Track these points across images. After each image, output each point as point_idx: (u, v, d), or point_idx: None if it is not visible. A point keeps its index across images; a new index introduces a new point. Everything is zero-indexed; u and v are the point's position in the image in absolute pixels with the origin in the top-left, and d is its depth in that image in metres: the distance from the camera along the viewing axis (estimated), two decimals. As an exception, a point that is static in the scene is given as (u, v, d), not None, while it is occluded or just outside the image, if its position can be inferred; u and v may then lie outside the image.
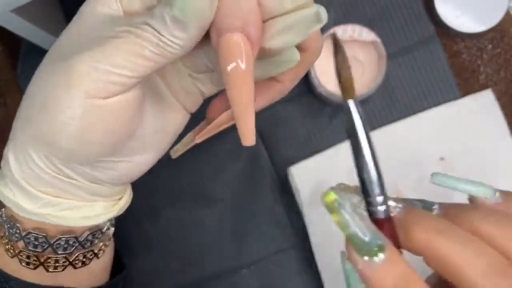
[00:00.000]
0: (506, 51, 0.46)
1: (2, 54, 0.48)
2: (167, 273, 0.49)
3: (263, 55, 0.20)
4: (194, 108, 0.26)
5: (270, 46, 0.20)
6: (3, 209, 0.25)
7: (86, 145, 0.20)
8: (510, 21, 0.46)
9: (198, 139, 0.27)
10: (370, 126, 0.46)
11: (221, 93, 0.26)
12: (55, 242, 0.25)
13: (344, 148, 0.46)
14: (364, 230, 0.18)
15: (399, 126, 0.46)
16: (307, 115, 0.47)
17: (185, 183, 0.48)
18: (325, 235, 0.46)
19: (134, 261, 0.49)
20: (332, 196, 0.18)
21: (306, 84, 0.47)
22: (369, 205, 0.20)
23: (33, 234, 0.24)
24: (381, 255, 0.18)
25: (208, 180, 0.48)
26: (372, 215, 0.20)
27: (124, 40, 0.18)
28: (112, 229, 0.29)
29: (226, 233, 0.48)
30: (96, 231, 0.27)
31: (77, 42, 0.20)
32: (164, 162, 0.49)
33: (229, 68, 0.18)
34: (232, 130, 0.47)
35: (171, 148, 0.28)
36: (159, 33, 0.18)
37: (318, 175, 0.46)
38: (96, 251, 0.27)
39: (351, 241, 0.18)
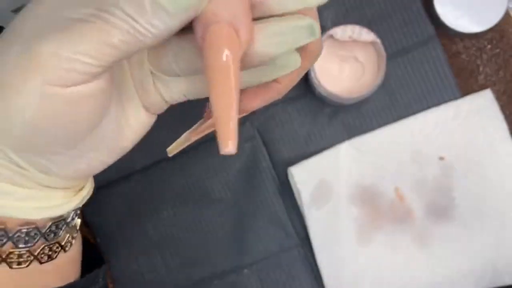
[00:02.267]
0: (505, 51, 0.46)
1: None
2: (168, 273, 0.49)
3: (254, 62, 0.19)
4: (154, 110, 0.23)
5: (258, 50, 0.19)
6: None
7: (41, 134, 0.19)
8: (509, 21, 0.46)
9: (194, 137, 0.27)
10: (370, 125, 0.47)
11: None
12: (14, 234, 0.23)
13: (344, 148, 0.46)
14: None
15: (399, 126, 0.46)
16: (307, 115, 0.47)
17: (186, 183, 0.48)
18: (326, 235, 0.46)
19: (136, 261, 0.49)
20: None
21: (306, 84, 0.47)
22: None
23: None
24: None
25: (208, 180, 0.48)
26: None
27: (91, 26, 0.17)
28: (79, 220, 0.27)
29: (227, 233, 0.48)
30: (59, 221, 0.25)
31: (38, 22, 0.18)
32: (163, 163, 0.49)
33: (212, 60, 0.17)
34: (232, 130, 0.48)
35: (162, 146, 0.28)
36: (133, 19, 0.16)
37: (318, 175, 0.46)
38: (62, 243, 0.25)
39: None
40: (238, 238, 0.48)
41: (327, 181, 0.46)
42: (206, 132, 0.27)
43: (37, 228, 0.24)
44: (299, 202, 0.47)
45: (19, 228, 0.23)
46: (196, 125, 0.28)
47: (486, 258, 0.44)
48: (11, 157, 0.20)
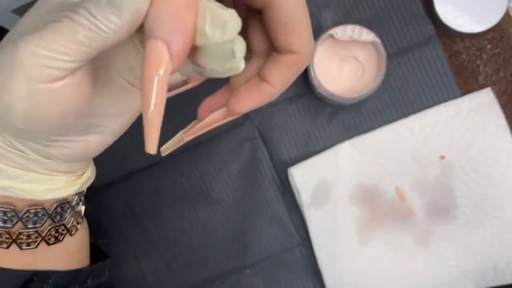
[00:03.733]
0: (505, 51, 0.46)
1: (2, 55, 0.48)
2: (169, 274, 0.49)
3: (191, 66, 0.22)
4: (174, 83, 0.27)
5: (197, 62, 0.21)
6: None
7: (34, 125, 0.20)
8: (509, 21, 0.46)
9: (187, 137, 0.27)
10: (370, 125, 0.47)
11: (212, 93, 0.27)
12: (24, 215, 0.25)
13: (344, 148, 0.46)
14: None
15: (399, 125, 0.46)
16: (307, 115, 0.47)
17: (187, 184, 0.48)
18: (326, 235, 0.46)
19: (137, 262, 0.49)
20: None
21: (306, 84, 0.47)
22: None
23: (1, 209, 0.24)
24: None
25: (209, 180, 0.48)
26: None
27: (61, 25, 0.18)
28: (83, 207, 0.29)
29: (228, 233, 0.48)
30: (64, 203, 0.27)
31: (23, 28, 0.20)
32: (163, 163, 0.49)
33: (143, 71, 0.19)
34: (233, 130, 0.48)
35: (162, 145, 0.28)
36: (94, 17, 0.18)
37: (318, 175, 0.46)
38: (68, 226, 0.27)
39: None
40: (239, 239, 0.48)
41: (327, 181, 0.46)
42: (201, 132, 0.27)
43: (44, 209, 0.26)
44: (299, 203, 0.46)
45: (27, 208, 0.25)
46: (190, 125, 0.28)
47: (487, 257, 0.44)
48: (13, 143, 0.22)
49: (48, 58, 0.18)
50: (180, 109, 0.42)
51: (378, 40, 0.43)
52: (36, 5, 0.21)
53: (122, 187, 0.49)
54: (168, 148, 0.29)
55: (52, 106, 0.20)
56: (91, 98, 0.22)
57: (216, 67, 0.21)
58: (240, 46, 0.20)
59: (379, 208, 0.46)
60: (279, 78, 0.23)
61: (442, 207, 0.45)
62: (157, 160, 0.48)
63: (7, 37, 0.21)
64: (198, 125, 0.26)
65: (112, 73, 0.24)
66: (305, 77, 0.46)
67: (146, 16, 0.19)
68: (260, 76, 0.24)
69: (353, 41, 0.44)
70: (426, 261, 0.45)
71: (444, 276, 0.45)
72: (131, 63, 0.24)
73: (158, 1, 0.19)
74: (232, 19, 0.19)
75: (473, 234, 0.45)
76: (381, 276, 0.46)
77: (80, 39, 0.18)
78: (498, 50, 0.46)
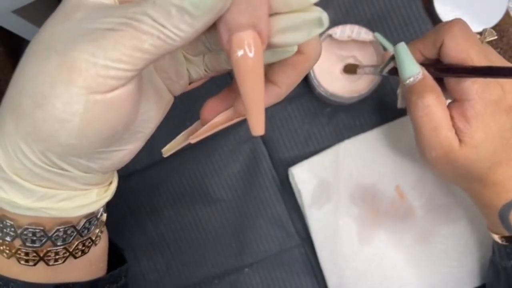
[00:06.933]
0: (505, 51, 0.46)
1: (3, 55, 0.49)
2: (169, 273, 0.49)
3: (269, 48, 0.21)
4: (180, 91, 0.26)
5: (271, 42, 0.20)
6: None
7: (86, 139, 0.20)
8: (509, 21, 0.46)
9: (193, 140, 0.27)
10: (370, 125, 0.47)
11: (216, 95, 0.27)
12: (53, 234, 0.24)
13: (344, 147, 0.46)
14: None
15: (399, 124, 0.46)
16: (307, 115, 0.47)
17: (187, 184, 0.49)
18: (327, 234, 0.46)
19: (137, 262, 0.49)
20: None
21: (306, 84, 0.47)
22: None
23: (30, 230, 0.24)
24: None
25: (209, 180, 0.48)
26: None
27: (122, 34, 0.18)
28: (105, 214, 0.29)
29: (228, 233, 0.48)
30: (92, 218, 0.26)
31: (69, 32, 0.19)
32: (163, 163, 0.49)
33: (241, 63, 0.19)
34: (233, 130, 0.48)
35: (163, 146, 0.28)
36: (161, 25, 0.18)
37: (318, 175, 0.46)
38: (93, 238, 0.27)
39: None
40: (239, 238, 0.48)
41: (327, 181, 0.46)
42: (207, 134, 0.27)
43: (73, 226, 0.25)
44: (299, 202, 0.47)
45: (57, 228, 0.24)
46: (193, 126, 0.28)
47: (488, 256, 0.44)
48: (55, 162, 0.21)
49: (108, 68, 0.18)
50: (185, 109, 0.42)
51: (377, 40, 0.43)
52: (62, 11, 0.20)
53: (122, 187, 0.49)
54: (170, 149, 0.29)
55: (107, 117, 0.19)
56: (139, 104, 0.22)
57: (298, 40, 0.20)
58: (326, 14, 0.19)
59: (379, 207, 0.46)
60: (285, 79, 0.24)
61: (442, 206, 0.45)
62: (157, 160, 0.48)
63: (38, 46, 0.19)
64: (204, 127, 0.26)
65: (150, 75, 0.24)
66: (305, 78, 0.46)
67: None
68: (266, 77, 0.24)
69: (352, 41, 0.44)
70: (427, 259, 0.45)
71: (445, 275, 0.45)
72: (167, 62, 0.24)
73: None
74: None
75: (474, 233, 0.45)
76: (382, 275, 0.46)
77: (145, 47, 0.18)
78: (498, 50, 0.46)
